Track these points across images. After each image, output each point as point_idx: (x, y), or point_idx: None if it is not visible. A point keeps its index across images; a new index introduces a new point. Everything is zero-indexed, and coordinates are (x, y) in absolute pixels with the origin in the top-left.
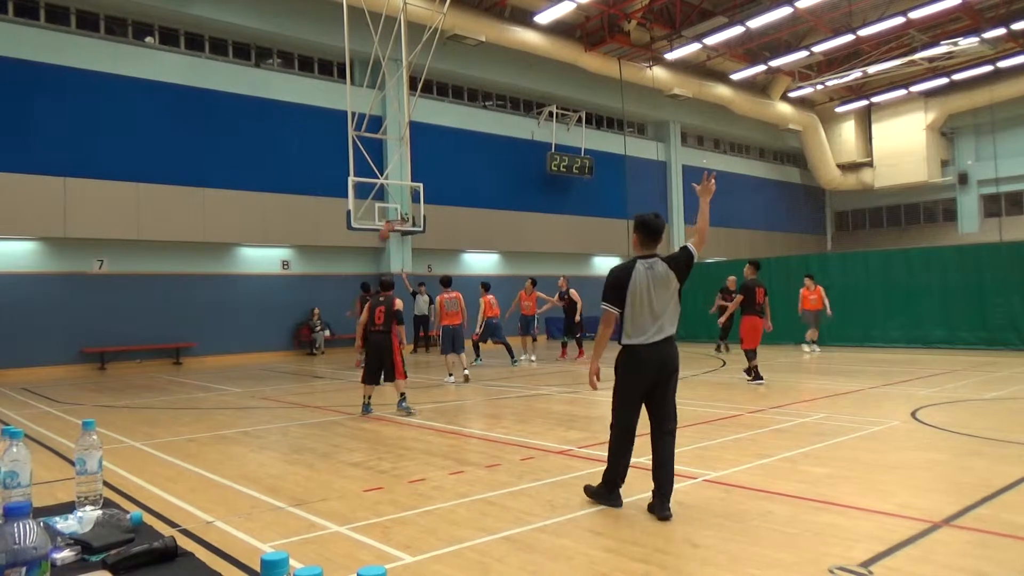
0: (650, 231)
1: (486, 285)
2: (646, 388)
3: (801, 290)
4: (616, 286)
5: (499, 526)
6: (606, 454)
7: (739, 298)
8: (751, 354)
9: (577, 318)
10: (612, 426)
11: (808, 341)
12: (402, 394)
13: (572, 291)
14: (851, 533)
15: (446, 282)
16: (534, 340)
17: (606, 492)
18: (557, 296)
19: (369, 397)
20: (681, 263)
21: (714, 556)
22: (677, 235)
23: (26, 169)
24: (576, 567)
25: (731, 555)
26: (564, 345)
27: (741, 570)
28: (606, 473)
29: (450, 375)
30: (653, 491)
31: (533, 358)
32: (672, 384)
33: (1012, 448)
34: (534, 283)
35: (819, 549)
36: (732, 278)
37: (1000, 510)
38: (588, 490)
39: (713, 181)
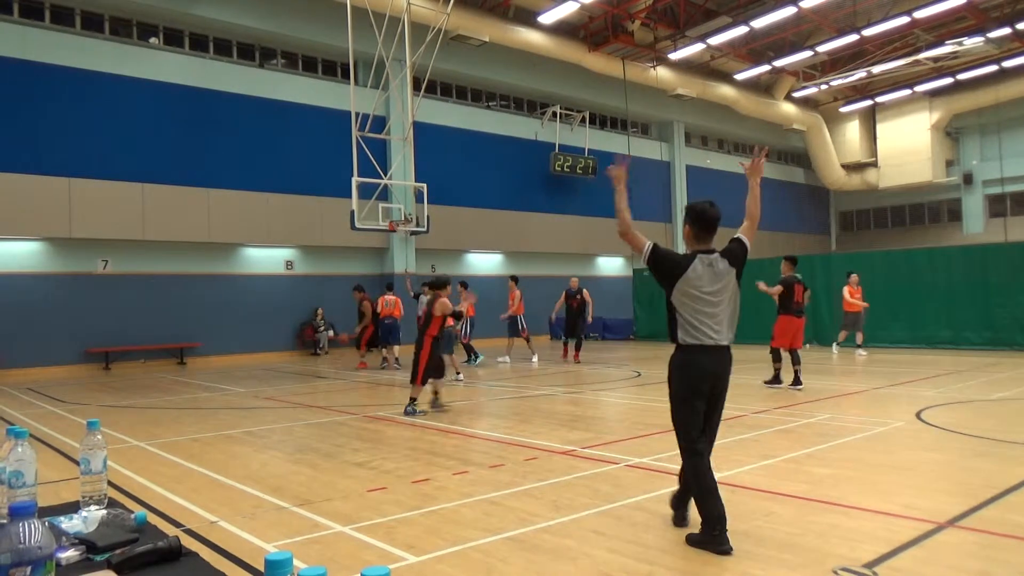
0: (705, 222)
1: (465, 284)
2: (706, 394)
3: (846, 288)
4: (668, 263)
5: (503, 526)
6: (692, 490)
7: (778, 289)
8: (777, 354)
9: (590, 318)
10: (683, 448)
11: (857, 344)
12: (411, 399)
13: (585, 291)
14: (855, 534)
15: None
16: (528, 340)
17: (715, 532)
18: (564, 295)
19: (435, 393)
20: (739, 258)
21: (717, 557)
22: (680, 241)
23: (31, 170)
24: (580, 567)
25: (734, 555)
26: (566, 345)
27: (744, 570)
28: (703, 511)
29: (457, 373)
30: (675, 494)
31: (535, 359)
32: (723, 400)
33: (1018, 449)
34: (516, 280)
35: (823, 550)
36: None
37: (1006, 511)
38: (692, 539)
39: (763, 159)
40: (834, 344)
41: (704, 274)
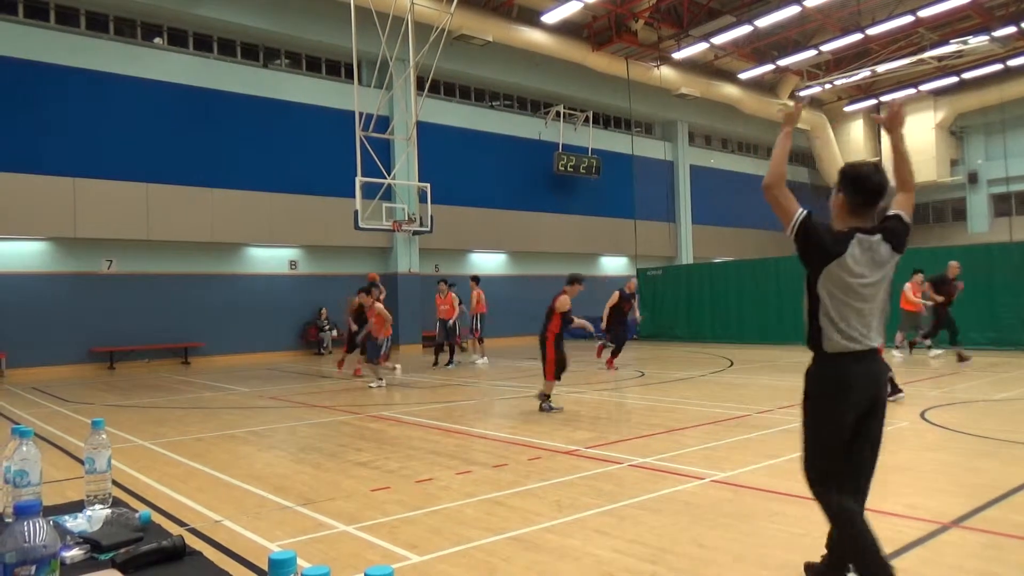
0: (869, 191)
1: (446, 282)
2: (855, 419)
3: (909, 285)
4: (821, 241)
5: (506, 526)
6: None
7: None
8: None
9: (638, 315)
10: (819, 492)
11: (913, 343)
12: (545, 395)
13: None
14: None
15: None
16: (463, 343)
17: None
18: (618, 296)
19: (547, 396)
20: (903, 241)
21: (721, 557)
22: (684, 240)
23: (36, 170)
24: (583, 567)
25: (738, 556)
26: (602, 348)
27: (748, 570)
28: (862, 572)
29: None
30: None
31: (476, 358)
32: (882, 417)
33: (1021, 449)
34: (477, 281)
35: None
36: (954, 264)
37: (1010, 511)
38: (815, 572)
39: (903, 108)
40: (904, 348)
41: (862, 260)
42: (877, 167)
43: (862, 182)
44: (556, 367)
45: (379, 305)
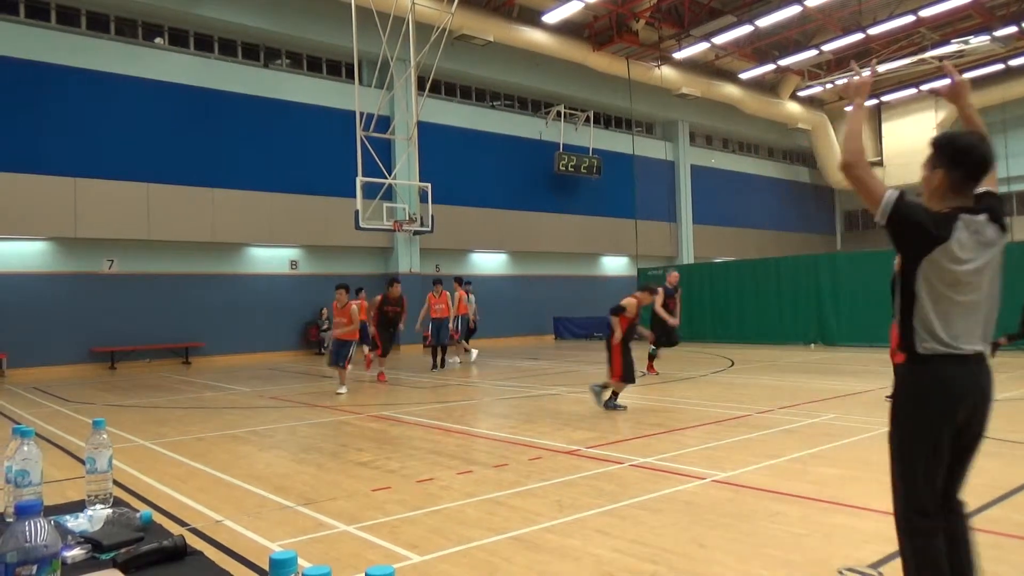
0: (976, 165)
1: (439, 282)
2: (954, 433)
3: None
4: (921, 225)
5: (507, 526)
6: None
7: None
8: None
9: (677, 319)
10: (904, 520)
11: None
12: (613, 393)
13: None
14: (861, 534)
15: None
16: (445, 346)
17: None
18: (662, 293)
19: (614, 393)
20: (1003, 220)
21: (722, 557)
22: (685, 240)
23: (37, 170)
24: (584, 567)
25: (739, 555)
26: (652, 358)
27: (749, 570)
28: None
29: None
30: None
31: (456, 359)
32: (981, 439)
33: (1022, 449)
34: (460, 281)
35: (828, 550)
36: None
37: (1012, 511)
38: None
39: (965, 78)
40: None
41: (969, 244)
42: (982, 136)
43: (967, 154)
44: (624, 370)
45: (355, 307)
